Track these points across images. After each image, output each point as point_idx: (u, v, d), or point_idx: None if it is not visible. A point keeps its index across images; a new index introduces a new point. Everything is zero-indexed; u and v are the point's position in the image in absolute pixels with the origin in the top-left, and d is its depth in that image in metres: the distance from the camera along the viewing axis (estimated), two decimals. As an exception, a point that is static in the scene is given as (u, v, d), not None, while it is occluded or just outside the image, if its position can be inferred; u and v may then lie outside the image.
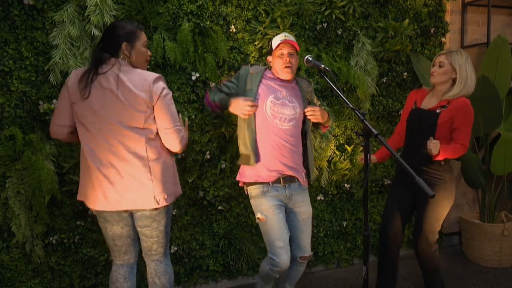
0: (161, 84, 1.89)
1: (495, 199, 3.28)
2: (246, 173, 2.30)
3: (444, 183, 2.39)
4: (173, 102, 1.93)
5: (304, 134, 2.35)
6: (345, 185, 3.18)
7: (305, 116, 2.30)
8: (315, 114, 2.24)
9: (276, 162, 2.23)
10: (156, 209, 1.95)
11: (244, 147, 2.28)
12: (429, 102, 2.44)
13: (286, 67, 2.22)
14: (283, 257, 2.19)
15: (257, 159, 2.23)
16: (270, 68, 2.36)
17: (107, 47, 1.89)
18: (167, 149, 1.98)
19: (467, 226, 3.38)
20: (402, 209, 2.53)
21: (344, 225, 3.24)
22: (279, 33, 2.37)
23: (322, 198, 3.16)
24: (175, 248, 2.78)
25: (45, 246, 2.49)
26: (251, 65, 2.40)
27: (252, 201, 2.30)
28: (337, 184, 3.17)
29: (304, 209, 2.31)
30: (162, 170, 1.93)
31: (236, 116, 2.42)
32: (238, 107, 2.19)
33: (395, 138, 2.70)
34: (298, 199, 2.30)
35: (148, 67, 2.02)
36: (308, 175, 2.37)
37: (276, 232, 2.19)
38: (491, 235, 3.23)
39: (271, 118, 2.24)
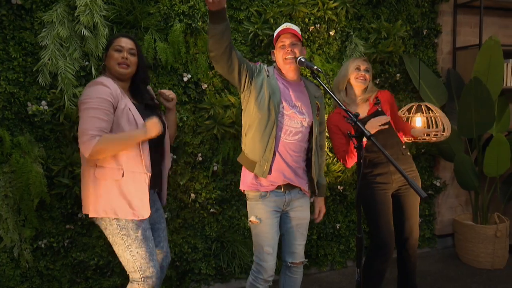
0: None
1: (488, 200, 3.28)
2: (247, 181, 2.12)
3: (417, 174, 2.52)
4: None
5: (309, 148, 2.16)
6: (338, 187, 3.17)
7: (311, 130, 2.13)
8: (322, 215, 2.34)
9: (279, 174, 2.07)
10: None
11: (253, 152, 2.06)
12: (362, 109, 2.41)
13: (286, 58, 2.02)
14: (270, 263, 2.09)
15: (270, 171, 2.05)
16: (275, 64, 2.16)
17: None
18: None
19: (460, 228, 3.38)
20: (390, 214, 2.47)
21: (338, 227, 3.23)
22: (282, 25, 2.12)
23: (315, 200, 3.14)
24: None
25: (34, 250, 2.44)
26: (261, 65, 2.10)
27: (248, 203, 2.14)
28: (330, 186, 3.16)
29: (300, 214, 2.17)
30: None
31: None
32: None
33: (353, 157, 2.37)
34: (296, 204, 2.16)
35: (125, 70, 1.89)
36: (311, 186, 2.20)
37: (267, 238, 2.08)
38: (484, 237, 3.23)
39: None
